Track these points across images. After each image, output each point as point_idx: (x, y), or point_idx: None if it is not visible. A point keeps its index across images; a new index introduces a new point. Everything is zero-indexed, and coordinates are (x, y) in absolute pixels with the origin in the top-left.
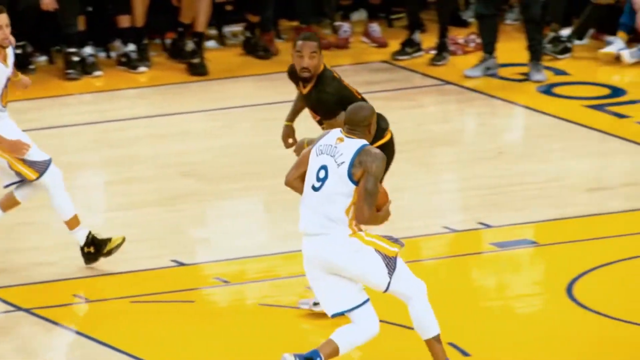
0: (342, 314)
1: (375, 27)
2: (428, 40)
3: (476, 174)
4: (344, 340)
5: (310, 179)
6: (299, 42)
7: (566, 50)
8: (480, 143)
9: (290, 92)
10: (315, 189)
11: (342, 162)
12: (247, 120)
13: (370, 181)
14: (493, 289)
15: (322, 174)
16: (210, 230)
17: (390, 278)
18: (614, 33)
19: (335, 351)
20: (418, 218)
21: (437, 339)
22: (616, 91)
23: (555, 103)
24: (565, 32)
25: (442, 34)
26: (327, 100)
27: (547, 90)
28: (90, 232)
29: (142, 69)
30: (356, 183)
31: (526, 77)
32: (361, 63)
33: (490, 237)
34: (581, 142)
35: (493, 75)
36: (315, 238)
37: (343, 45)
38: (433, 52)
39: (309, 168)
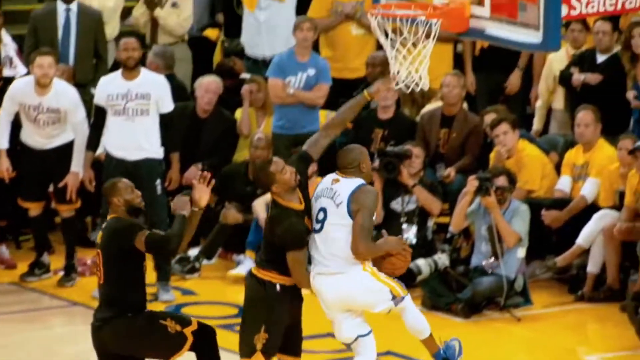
0: (354, 339)
1: (3, 249)
2: (56, 261)
3: None
4: None
5: (313, 224)
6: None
7: (194, 269)
8: None
9: None
10: (316, 230)
11: (340, 202)
12: None
13: (363, 215)
14: None
15: (320, 215)
16: None
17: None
18: (242, 251)
19: None
20: None
21: (431, 336)
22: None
23: None
24: (193, 251)
25: (70, 256)
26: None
27: (177, 309)
28: None
29: None
30: (352, 219)
31: (155, 297)
32: None
33: None
34: None
35: None
36: (331, 277)
37: None
38: (61, 273)
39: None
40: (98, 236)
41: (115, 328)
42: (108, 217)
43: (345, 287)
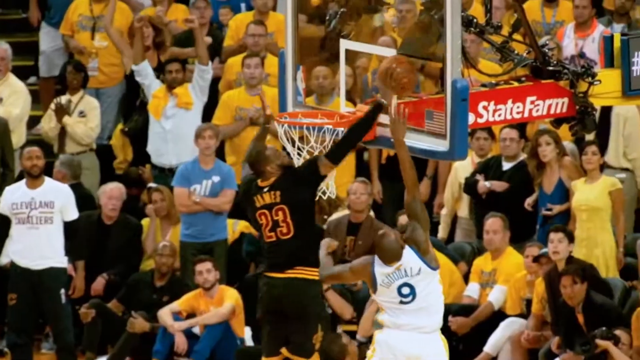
0: None
1: None
2: None
3: None
4: None
5: (391, 302)
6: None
7: None
8: None
9: None
10: (406, 303)
11: (419, 269)
12: None
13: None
14: None
15: (405, 290)
16: None
17: None
18: None
19: None
20: None
21: None
22: None
23: None
24: None
25: None
26: None
27: None
28: None
29: None
30: (435, 268)
31: None
32: None
33: None
34: None
35: None
36: (413, 332)
37: None
38: None
39: (384, 298)
40: (267, 197)
41: (297, 285)
42: (263, 182)
43: (422, 344)
